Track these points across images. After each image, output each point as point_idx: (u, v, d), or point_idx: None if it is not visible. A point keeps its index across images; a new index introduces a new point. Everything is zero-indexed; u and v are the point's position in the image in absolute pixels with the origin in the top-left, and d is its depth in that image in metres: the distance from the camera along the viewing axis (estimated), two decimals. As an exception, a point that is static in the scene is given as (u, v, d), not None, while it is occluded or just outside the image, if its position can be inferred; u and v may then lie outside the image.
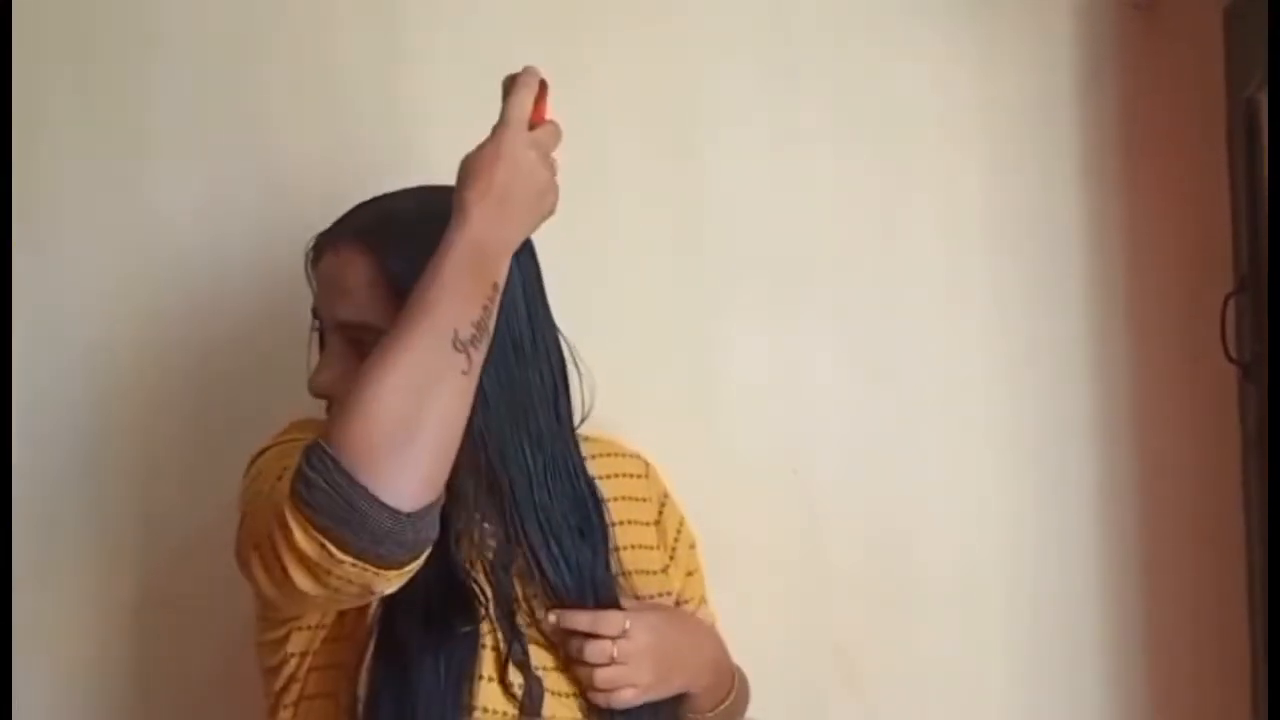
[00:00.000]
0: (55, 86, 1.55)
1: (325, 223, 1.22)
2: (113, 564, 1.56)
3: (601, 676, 1.15)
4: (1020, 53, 1.59)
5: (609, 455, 1.31)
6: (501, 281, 1.06)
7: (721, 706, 1.28)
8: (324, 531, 0.96)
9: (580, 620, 1.16)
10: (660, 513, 1.35)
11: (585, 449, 1.28)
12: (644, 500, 1.33)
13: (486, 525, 1.18)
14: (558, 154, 1.12)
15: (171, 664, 1.57)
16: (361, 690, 1.11)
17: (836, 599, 1.58)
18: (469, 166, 1.07)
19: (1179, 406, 1.58)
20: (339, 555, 0.96)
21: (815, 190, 1.59)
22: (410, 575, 1.01)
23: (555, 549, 1.18)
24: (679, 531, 1.36)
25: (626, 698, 1.16)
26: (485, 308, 1.04)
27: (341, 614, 1.14)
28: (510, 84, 1.11)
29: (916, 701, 1.59)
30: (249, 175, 1.55)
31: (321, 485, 0.96)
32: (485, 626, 1.15)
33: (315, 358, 1.19)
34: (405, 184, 1.22)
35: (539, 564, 1.18)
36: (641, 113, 1.57)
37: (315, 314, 1.19)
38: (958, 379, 1.60)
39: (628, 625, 1.16)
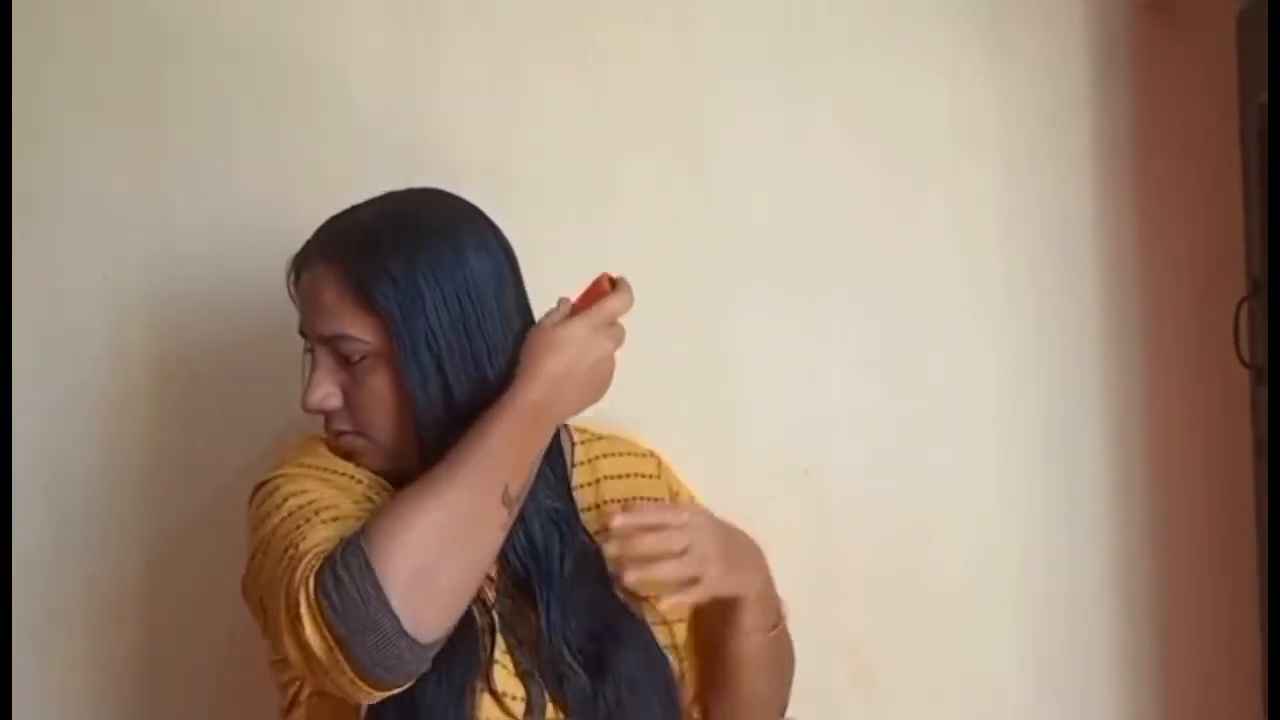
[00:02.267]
0: (68, 87, 1.56)
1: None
2: (116, 558, 1.56)
3: (671, 569, 1.15)
4: (1034, 56, 1.59)
5: (622, 455, 1.31)
6: (538, 461, 1.13)
7: (773, 632, 1.27)
8: (338, 639, 0.98)
9: (648, 514, 1.17)
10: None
11: (598, 448, 1.29)
12: (655, 500, 1.33)
13: None
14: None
15: (177, 659, 1.58)
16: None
17: (848, 598, 1.58)
18: (554, 338, 1.13)
19: (1191, 409, 1.59)
20: (343, 665, 0.99)
21: (829, 191, 1.60)
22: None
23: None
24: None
25: (697, 594, 1.16)
26: (531, 470, 1.11)
27: None
28: (614, 285, 1.18)
29: (927, 699, 1.59)
30: (261, 177, 1.56)
31: (352, 594, 0.98)
32: (487, 639, 1.15)
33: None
34: (416, 182, 1.23)
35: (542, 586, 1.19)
36: (655, 114, 1.58)
37: (302, 333, 1.20)
38: (970, 380, 1.60)
39: (691, 518, 1.17)
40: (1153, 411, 1.59)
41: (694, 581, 1.15)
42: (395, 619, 0.98)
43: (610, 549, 1.15)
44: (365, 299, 1.13)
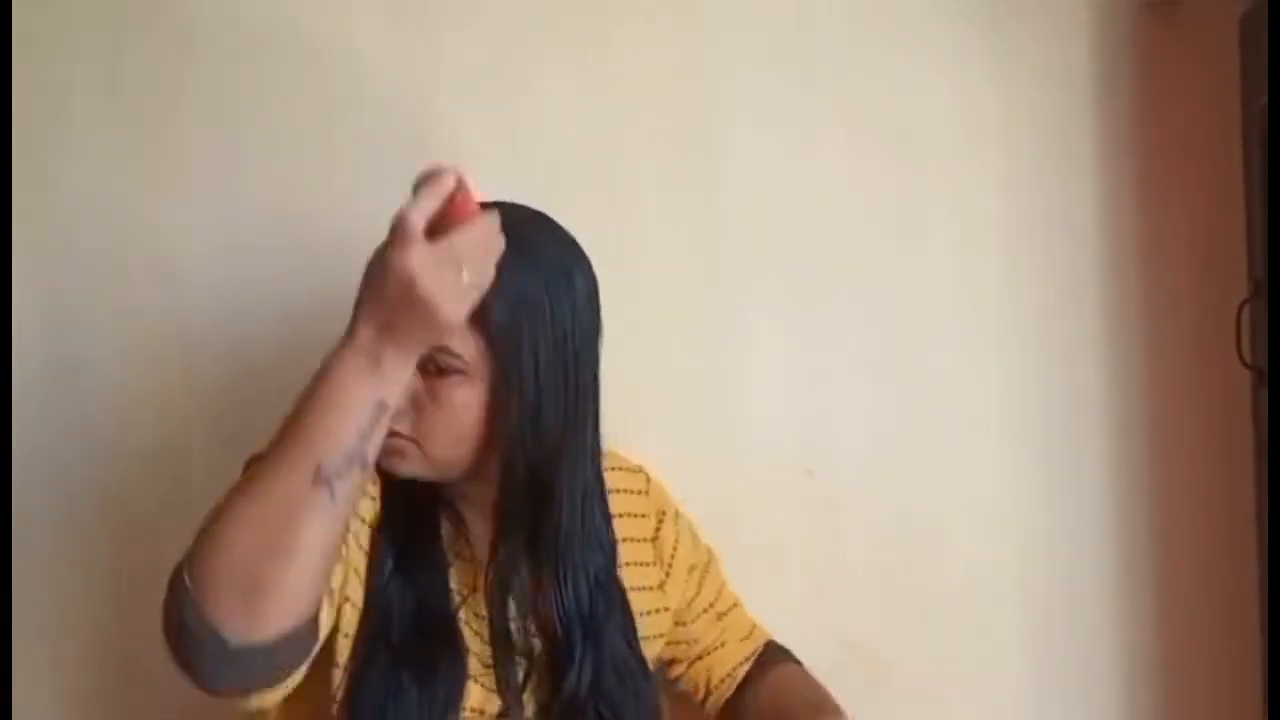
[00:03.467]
0: (83, 87, 1.56)
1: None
2: (115, 555, 1.56)
3: None
4: (1037, 58, 1.60)
5: (611, 470, 1.31)
6: (392, 401, 1.01)
7: None
8: (182, 664, 0.98)
9: None
10: (658, 529, 1.35)
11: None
12: (642, 516, 1.34)
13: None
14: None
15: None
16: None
17: (852, 598, 1.59)
18: (365, 277, 1.02)
19: (1193, 411, 1.59)
20: (190, 676, 0.98)
21: (832, 191, 1.60)
22: (290, 688, 1.01)
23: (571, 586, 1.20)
24: (675, 548, 1.36)
25: None
26: (362, 432, 0.99)
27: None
28: (417, 186, 1.02)
29: (931, 699, 1.59)
30: (263, 176, 1.55)
31: (174, 618, 0.97)
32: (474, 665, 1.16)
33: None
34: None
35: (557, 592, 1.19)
36: (658, 114, 1.58)
37: None
38: (973, 381, 1.60)
39: None
40: (1154, 412, 1.60)
41: None
42: (220, 639, 0.95)
43: None
44: (480, 319, 1.08)
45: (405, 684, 1.11)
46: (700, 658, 1.40)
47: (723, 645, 1.41)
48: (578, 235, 1.22)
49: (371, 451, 1.01)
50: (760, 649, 1.43)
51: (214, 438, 1.53)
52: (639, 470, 1.35)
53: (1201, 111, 1.58)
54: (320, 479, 0.97)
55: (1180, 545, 1.59)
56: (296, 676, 1.02)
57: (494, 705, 1.17)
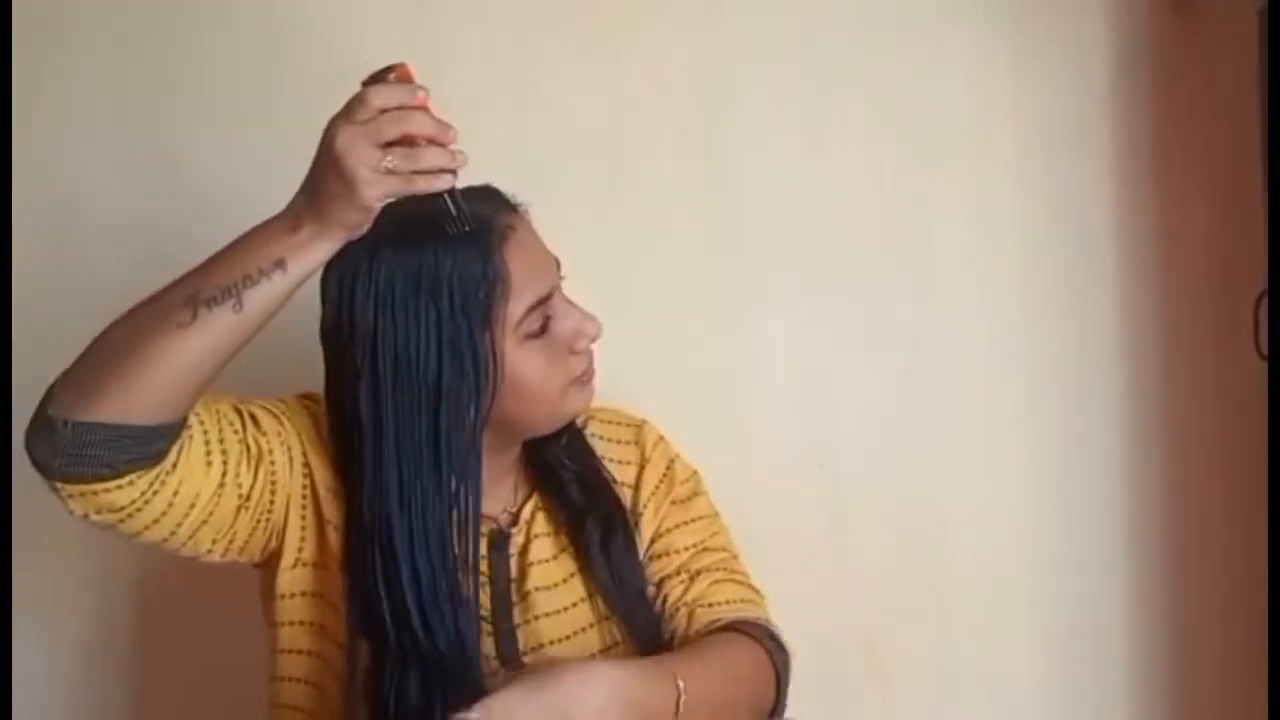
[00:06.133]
0: (88, 86, 1.59)
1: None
2: (116, 552, 1.54)
3: None
4: (1052, 54, 1.59)
5: (607, 429, 1.31)
6: (292, 268, 1.04)
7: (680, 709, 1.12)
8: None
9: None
10: (639, 475, 1.30)
11: (594, 414, 1.30)
12: (626, 464, 1.31)
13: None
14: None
15: (170, 643, 1.60)
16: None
17: (863, 593, 1.60)
18: (316, 157, 1.05)
19: (1209, 405, 1.58)
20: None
21: (848, 189, 1.60)
22: (81, 495, 1.05)
23: None
24: (657, 485, 1.30)
25: None
26: (248, 275, 1.03)
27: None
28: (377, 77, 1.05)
29: (942, 693, 1.60)
30: (268, 174, 1.55)
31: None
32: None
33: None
34: None
35: None
36: (673, 112, 1.60)
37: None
38: (986, 376, 1.61)
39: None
40: (1170, 407, 1.59)
41: None
42: (45, 407, 1.03)
43: None
44: None
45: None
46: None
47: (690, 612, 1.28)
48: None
49: (250, 300, 1.04)
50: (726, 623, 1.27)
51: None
52: (631, 424, 1.33)
53: (1219, 106, 1.57)
54: (191, 301, 1.03)
55: (1195, 539, 1.59)
56: (113, 488, 1.04)
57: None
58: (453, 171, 1.06)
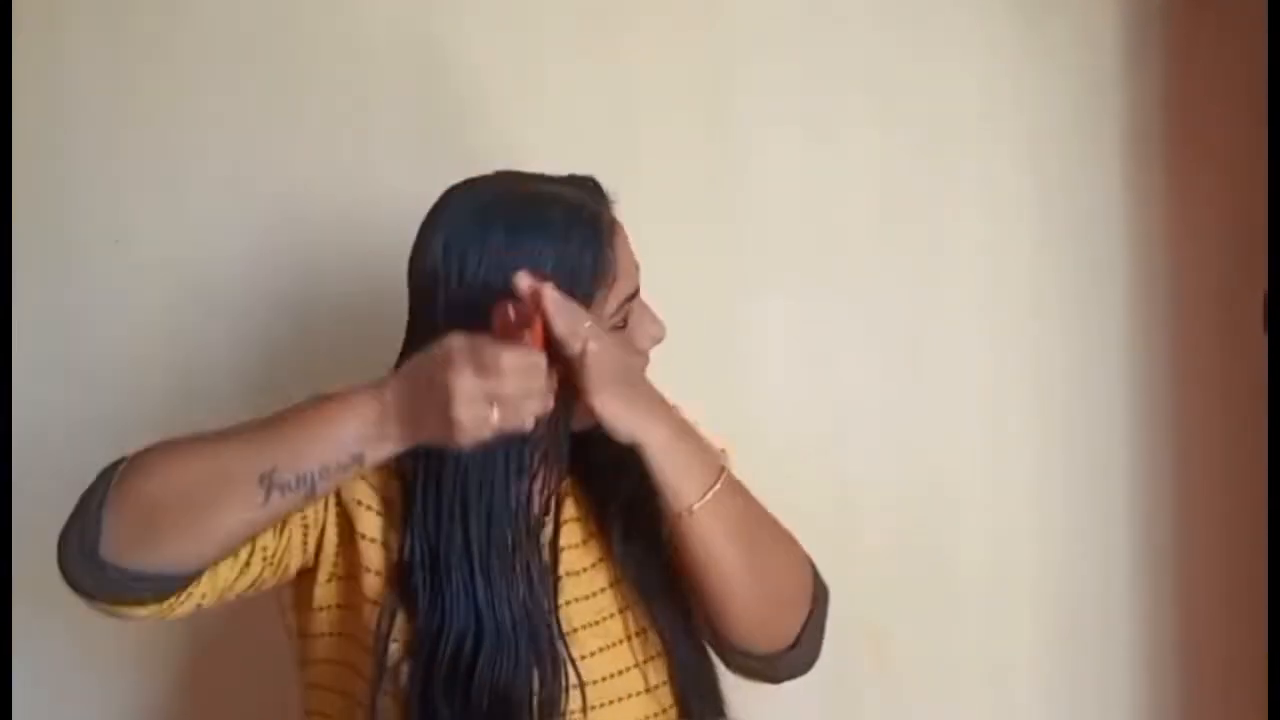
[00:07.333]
0: (93, 85, 1.59)
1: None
2: None
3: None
4: (1062, 43, 1.59)
5: None
6: (368, 462, 1.04)
7: (712, 492, 1.16)
8: (60, 537, 1.04)
9: (555, 306, 1.07)
10: None
11: None
12: None
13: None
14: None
15: (170, 643, 1.63)
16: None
17: (867, 583, 1.59)
18: (422, 365, 1.02)
19: (1218, 396, 1.58)
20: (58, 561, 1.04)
21: (857, 180, 1.61)
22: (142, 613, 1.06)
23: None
24: None
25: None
26: (326, 468, 1.03)
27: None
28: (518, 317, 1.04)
29: (946, 684, 1.60)
30: (273, 164, 1.59)
31: (85, 502, 1.04)
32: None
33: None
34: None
35: None
36: (680, 102, 1.60)
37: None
38: (993, 369, 1.61)
39: (592, 333, 1.08)
40: (1179, 399, 1.59)
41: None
42: (94, 547, 1.01)
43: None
44: None
45: None
46: None
47: None
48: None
49: (322, 486, 1.04)
50: None
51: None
52: None
53: (1229, 94, 1.57)
54: (265, 481, 1.02)
55: (1201, 534, 1.59)
56: (141, 609, 1.06)
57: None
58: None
